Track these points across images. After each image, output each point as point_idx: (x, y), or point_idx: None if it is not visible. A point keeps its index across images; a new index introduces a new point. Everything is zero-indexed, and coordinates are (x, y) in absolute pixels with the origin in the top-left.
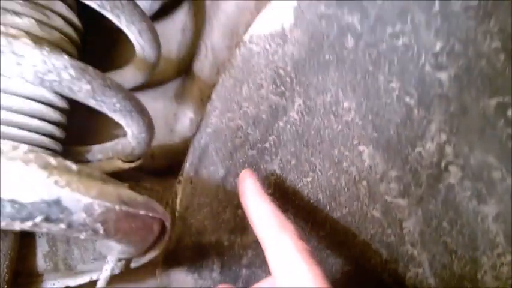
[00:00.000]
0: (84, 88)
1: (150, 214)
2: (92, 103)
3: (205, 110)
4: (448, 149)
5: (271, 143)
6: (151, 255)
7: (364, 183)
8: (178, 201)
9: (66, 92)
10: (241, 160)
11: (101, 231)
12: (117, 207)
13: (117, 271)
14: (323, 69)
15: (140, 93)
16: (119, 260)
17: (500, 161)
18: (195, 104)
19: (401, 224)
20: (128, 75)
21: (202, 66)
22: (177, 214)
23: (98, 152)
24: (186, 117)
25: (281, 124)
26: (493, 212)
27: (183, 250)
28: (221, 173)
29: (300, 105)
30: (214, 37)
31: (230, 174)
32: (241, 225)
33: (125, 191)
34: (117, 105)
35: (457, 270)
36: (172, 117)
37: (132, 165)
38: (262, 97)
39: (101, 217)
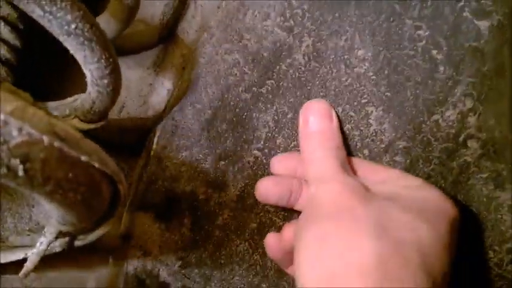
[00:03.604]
0: None
1: (96, 165)
2: (37, 14)
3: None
4: (471, 120)
5: (269, 88)
6: (101, 231)
7: (366, 152)
8: (156, 139)
9: None
10: (232, 103)
11: (21, 173)
12: (46, 140)
13: (58, 249)
14: (342, 5)
15: None
16: (60, 233)
17: None
18: (175, 73)
19: None
20: (102, 25)
21: (188, 27)
22: (152, 153)
23: (53, 109)
24: (163, 88)
25: (283, 67)
26: (510, 200)
27: (153, 194)
28: (208, 115)
29: (308, 46)
30: None
31: (217, 118)
32: (221, 179)
33: (60, 123)
34: (72, 26)
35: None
36: (147, 87)
37: (92, 126)
38: (266, 30)
39: (22, 149)
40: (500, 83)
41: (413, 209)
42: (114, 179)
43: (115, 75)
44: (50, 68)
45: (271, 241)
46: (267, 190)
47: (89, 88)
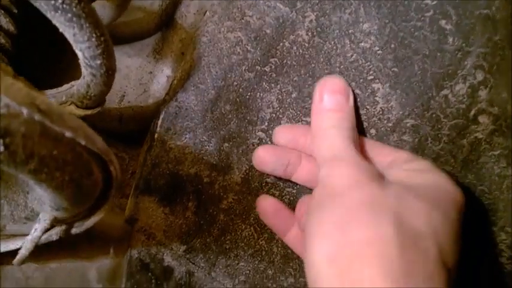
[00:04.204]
0: None
1: (82, 142)
2: None
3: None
4: (482, 93)
5: (273, 66)
6: (96, 217)
7: (373, 131)
8: (159, 121)
9: None
10: (235, 83)
11: (1, 148)
12: (25, 112)
13: (55, 237)
14: None
15: (115, 48)
16: (55, 220)
17: None
18: (174, 60)
19: None
20: (97, 11)
21: (186, 10)
22: (156, 135)
23: (51, 97)
24: (163, 75)
25: (287, 44)
26: None
27: (157, 177)
28: (211, 95)
29: (311, 21)
30: None
31: (221, 98)
32: (226, 162)
33: (42, 96)
34: (59, 1)
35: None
36: (147, 76)
37: (89, 112)
38: (269, 6)
39: (1, 122)
40: None
41: (426, 196)
42: (104, 158)
43: (108, 56)
44: (49, 57)
45: (268, 205)
46: (263, 158)
47: (83, 71)
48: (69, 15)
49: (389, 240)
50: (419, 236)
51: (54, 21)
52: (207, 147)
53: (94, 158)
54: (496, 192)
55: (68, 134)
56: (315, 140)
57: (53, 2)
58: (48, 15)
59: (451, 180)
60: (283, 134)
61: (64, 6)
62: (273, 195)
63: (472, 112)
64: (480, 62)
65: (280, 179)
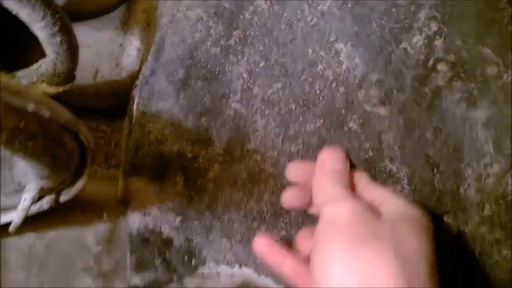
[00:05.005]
0: None
1: (47, 114)
2: None
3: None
4: (438, 43)
5: (237, 39)
6: (80, 183)
7: (342, 89)
8: (134, 106)
9: None
10: (203, 60)
11: None
12: None
13: (46, 206)
14: None
15: (84, 23)
16: (42, 190)
17: (497, 52)
18: (141, 30)
19: (380, 136)
20: None
21: None
22: (133, 120)
23: (23, 77)
24: (133, 48)
25: (247, 15)
26: (484, 117)
27: (142, 160)
28: (181, 75)
29: None
30: None
31: (191, 77)
32: (206, 136)
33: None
34: None
35: (438, 186)
36: (118, 49)
37: (61, 89)
38: None
39: None
40: (463, 1)
41: (413, 225)
42: (73, 129)
43: (66, 32)
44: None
45: (263, 245)
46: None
47: (45, 50)
48: None
49: (390, 265)
50: (413, 259)
51: (5, 5)
52: (186, 124)
53: (64, 129)
54: (460, 132)
55: (30, 107)
56: (317, 189)
57: None
58: None
59: (421, 210)
60: (296, 171)
61: None
62: (256, 161)
63: (431, 61)
64: (433, 13)
65: (260, 145)
